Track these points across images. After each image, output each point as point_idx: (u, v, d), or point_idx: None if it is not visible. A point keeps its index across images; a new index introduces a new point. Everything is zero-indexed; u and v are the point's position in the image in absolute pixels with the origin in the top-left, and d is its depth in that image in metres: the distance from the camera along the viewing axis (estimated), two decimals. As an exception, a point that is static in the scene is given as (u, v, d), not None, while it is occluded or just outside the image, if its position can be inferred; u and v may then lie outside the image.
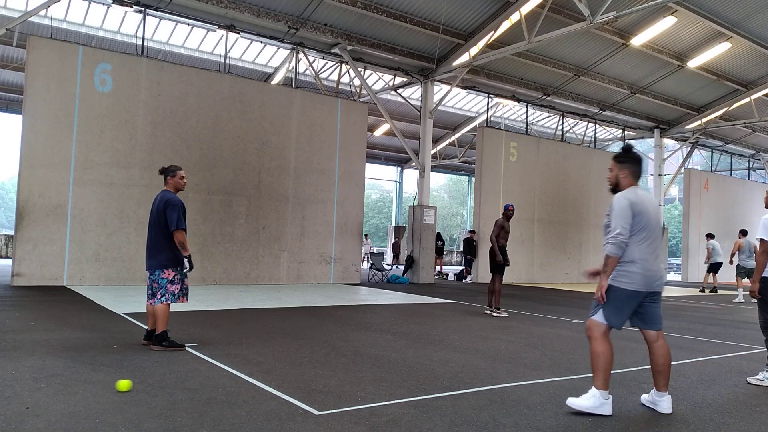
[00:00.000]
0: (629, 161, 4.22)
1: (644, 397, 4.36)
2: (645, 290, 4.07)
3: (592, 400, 4.00)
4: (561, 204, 20.57)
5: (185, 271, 5.78)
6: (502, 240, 9.79)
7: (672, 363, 4.31)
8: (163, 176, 5.92)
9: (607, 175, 4.33)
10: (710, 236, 17.22)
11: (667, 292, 17.59)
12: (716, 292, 17.13)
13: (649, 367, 4.31)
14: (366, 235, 30.86)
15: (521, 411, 4.05)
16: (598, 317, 4.12)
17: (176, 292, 5.76)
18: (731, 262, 14.73)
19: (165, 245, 5.71)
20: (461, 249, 24.75)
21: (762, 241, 5.21)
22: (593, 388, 4.03)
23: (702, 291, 17.47)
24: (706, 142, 26.51)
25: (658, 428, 3.81)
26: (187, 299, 5.87)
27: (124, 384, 4.15)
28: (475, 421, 3.77)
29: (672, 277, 27.93)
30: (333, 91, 18.16)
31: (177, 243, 5.67)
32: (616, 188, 4.26)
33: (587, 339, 4.19)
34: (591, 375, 4.15)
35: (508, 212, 9.87)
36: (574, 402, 4.05)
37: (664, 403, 4.17)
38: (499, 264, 9.72)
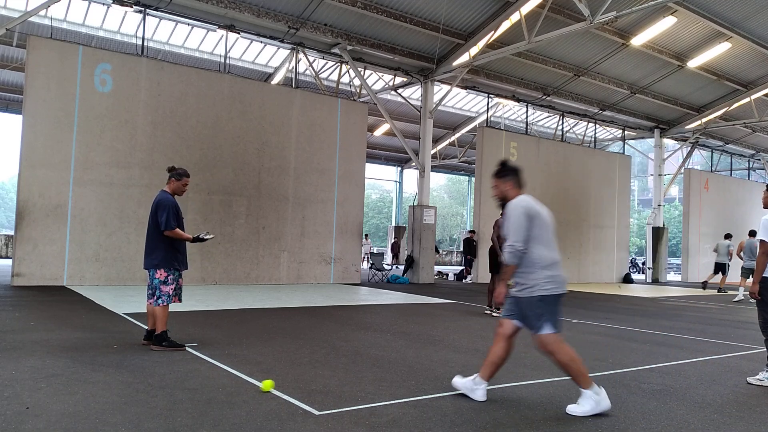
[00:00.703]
0: (510, 173, 4.37)
1: (459, 381, 4.36)
2: (562, 292, 4.17)
3: (590, 402, 4.02)
4: (561, 204, 20.55)
5: (203, 236, 5.90)
6: (503, 240, 9.78)
7: (672, 363, 4.31)
8: (169, 174, 5.91)
9: (491, 193, 4.47)
10: (728, 236, 17.25)
11: (667, 291, 17.59)
12: (724, 292, 17.12)
13: (648, 366, 4.30)
14: (366, 235, 30.90)
15: (521, 411, 4.05)
16: (548, 330, 4.13)
17: (170, 292, 5.76)
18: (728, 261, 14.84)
19: (159, 245, 5.71)
20: (461, 249, 24.74)
21: (762, 242, 5.22)
22: (583, 390, 4.05)
23: (703, 287, 17.56)
24: (706, 142, 26.51)
25: (658, 428, 3.81)
26: (180, 300, 5.87)
27: (268, 384, 4.27)
28: (475, 421, 3.77)
29: (672, 277, 27.94)
30: (333, 91, 18.16)
31: (176, 237, 5.71)
32: (504, 201, 4.39)
33: (548, 355, 4.19)
34: (589, 375, 4.16)
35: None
36: (574, 409, 4.05)
37: (480, 392, 4.25)
38: (502, 264, 9.71)
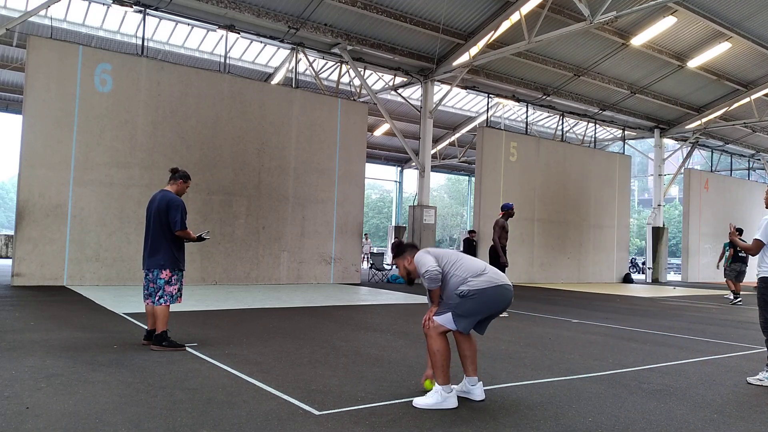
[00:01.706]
0: (407, 248, 4.43)
1: (456, 388, 4.32)
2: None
3: (435, 397, 4.04)
4: (561, 204, 20.57)
5: (204, 235, 6.00)
6: (503, 240, 9.80)
7: (672, 363, 4.31)
8: (173, 176, 5.91)
9: (409, 274, 4.42)
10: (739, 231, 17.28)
11: (668, 292, 17.59)
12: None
13: (648, 366, 4.31)
14: (366, 234, 30.92)
15: (521, 411, 4.05)
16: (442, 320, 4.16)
17: (174, 293, 5.76)
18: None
19: (164, 245, 5.70)
20: (461, 249, 24.74)
21: (756, 240, 5.26)
22: (436, 384, 4.06)
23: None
24: (706, 142, 26.51)
25: (658, 428, 3.81)
26: (181, 299, 5.90)
27: (427, 384, 4.29)
28: (475, 421, 3.77)
29: (672, 277, 27.94)
30: (333, 91, 18.16)
31: (183, 237, 5.75)
32: (411, 279, 4.42)
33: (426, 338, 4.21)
34: (590, 375, 4.16)
35: (511, 212, 9.84)
36: (419, 402, 4.06)
37: (477, 390, 4.24)
38: (502, 264, 9.73)
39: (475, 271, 4.18)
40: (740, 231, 14.98)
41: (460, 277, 4.15)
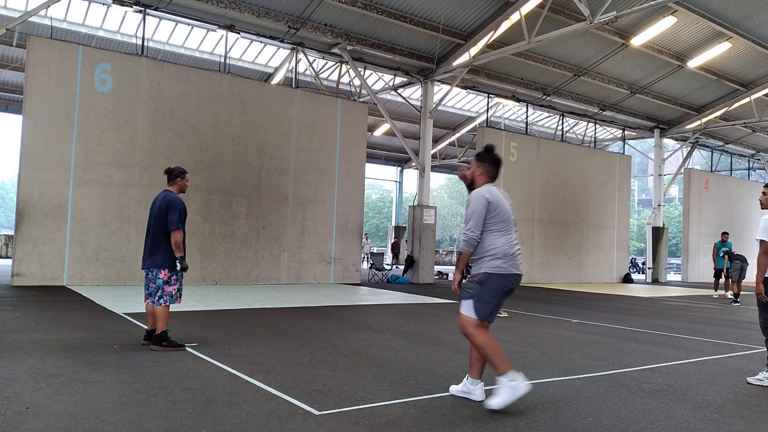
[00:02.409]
0: (487, 161, 4.31)
1: (455, 388, 4.34)
2: (511, 276, 4.12)
3: (505, 391, 3.99)
4: (561, 204, 20.56)
5: (178, 270, 5.77)
6: None
7: (672, 363, 4.32)
8: (168, 177, 5.91)
9: (467, 171, 4.39)
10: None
11: (668, 291, 17.60)
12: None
13: (648, 366, 4.31)
14: (366, 234, 30.92)
15: (521, 411, 4.05)
16: (467, 311, 4.13)
17: (174, 293, 5.76)
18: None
19: (164, 245, 5.70)
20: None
21: (762, 242, 5.22)
22: (501, 377, 4.01)
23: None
24: (706, 142, 26.51)
25: (658, 428, 3.81)
26: (180, 299, 5.88)
27: None
28: (475, 421, 3.77)
29: (672, 277, 27.94)
30: (333, 91, 18.16)
31: (173, 243, 5.65)
32: (471, 185, 4.34)
33: (466, 336, 4.19)
34: (590, 375, 4.16)
35: None
36: (492, 403, 4.01)
37: (478, 391, 4.22)
38: None
39: (496, 253, 4.11)
40: (726, 234, 15.36)
41: (485, 251, 4.10)
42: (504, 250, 4.12)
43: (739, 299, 14.07)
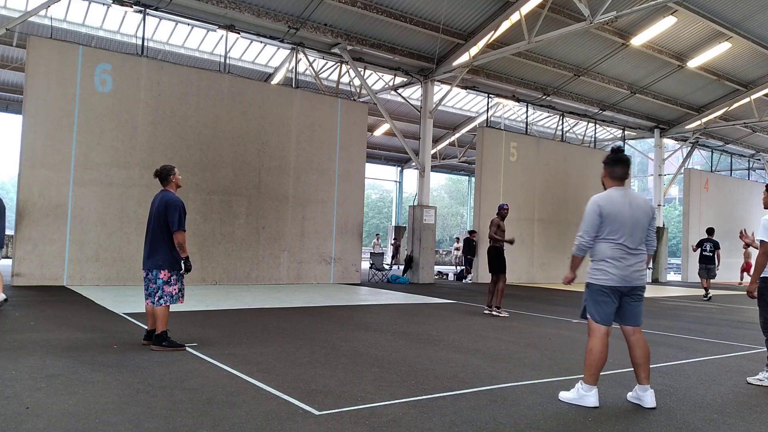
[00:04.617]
0: (608, 162, 4.46)
1: (630, 395, 4.46)
2: (622, 285, 4.23)
3: (573, 393, 4.26)
4: (561, 204, 20.56)
5: (181, 272, 5.79)
6: (498, 238, 9.92)
7: (672, 363, 4.33)
8: (160, 178, 5.91)
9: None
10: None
11: (668, 292, 17.60)
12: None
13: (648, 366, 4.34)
14: (378, 235, 31.03)
15: (521, 411, 4.05)
16: (587, 315, 4.37)
17: (174, 293, 5.76)
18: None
19: (163, 245, 5.70)
20: (461, 249, 24.77)
21: (762, 242, 5.22)
22: (580, 381, 4.27)
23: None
24: (706, 142, 26.50)
25: (658, 428, 3.81)
26: (183, 299, 5.89)
27: None
28: (475, 421, 3.77)
29: (672, 277, 27.92)
30: (333, 91, 18.16)
31: (176, 244, 5.67)
32: (605, 188, 4.51)
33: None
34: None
35: (503, 211, 10.17)
36: (563, 395, 4.34)
37: (647, 398, 4.27)
38: (500, 264, 9.82)
39: (604, 256, 4.26)
40: (711, 230, 15.53)
41: (591, 257, 4.36)
42: (606, 258, 4.26)
43: (710, 297, 14.87)
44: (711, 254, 14.97)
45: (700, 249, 15.26)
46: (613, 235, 4.22)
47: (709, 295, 14.87)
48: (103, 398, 3.96)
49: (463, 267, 20.77)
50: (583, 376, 4.28)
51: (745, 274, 22.50)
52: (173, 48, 17.12)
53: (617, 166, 4.38)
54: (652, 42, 17.43)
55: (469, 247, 19.06)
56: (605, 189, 4.44)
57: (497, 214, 10.15)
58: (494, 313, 9.62)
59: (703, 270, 15.13)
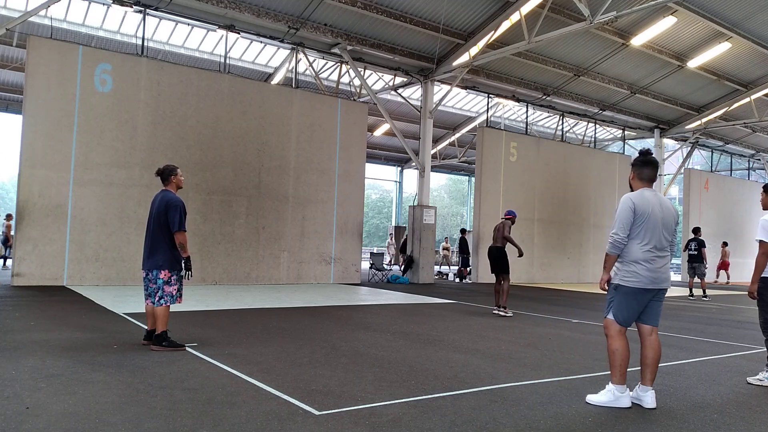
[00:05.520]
0: (636, 164, 4.50)
1: (630, 395, 4.45)
2: (652, 287, 4.28)
3: (608, 395, 4.25)
4: (561, 204, 20.56)
5: (182, 272, 5.79)
6: (514, 241, 9.98)
7: (672, 363, 4.33)
8: (162, 177, 5.91)
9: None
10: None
11: (667, 291, 17.56)
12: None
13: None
14: (392, 234, 31.01)
15: (521, 411, 4.05)
16: (610, 315, 4.37)
17: (174, 293, 5.76)
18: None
19: (164, 246, 5.70)
20: (457, 249, 24.90)
21: (761, 242, 5.23)
22: (610, 383, 4.28)
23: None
24: (706, 142, 26.50)
25: (658, 428, 3.81)
26: (181, 299, 5.89)
27: None
28: (475, 421, 3.77)
29: (672, 277, 27.89)
30: (333, 91, 18.16)
31: (177, 244, 5.68)
32: (632, 189, 4.54)
33: (606, 337, 4.44)
34: (590, 375, 4.17)
35: (514, 218, 10.35)
36: (591, 398, 4.32)
37: (648, 398, 4.30)
38: (504, 265, 9.90)
39: (635, 257, 4.24)
40: (697, 230, 15.62)
41: (622, 257, 4.29)
42: (636, 259, 4.25)
43: (693, 295, 15.17)
44: (696, 253, 15.08)
45: (687, 249, 15.43)
46: (644, 237, 4.23)
47: (694, 295, 15.18)
48: (103, 398, 3.96)
49: (457, 267, 20.92)
50: (612, 378, 4.28)
51: (721, 272, 22.73)
52: (173, 48, 17.12)
53: (646, 167, 4.42)
54: (652, 42, 17.43)
55: (464, 246, 19.38)
56: (632, 190, 4.47)
57: (509, 218, 10.22)
58: (501, 313, 9.64)
59: (690, 269, 15.31)
